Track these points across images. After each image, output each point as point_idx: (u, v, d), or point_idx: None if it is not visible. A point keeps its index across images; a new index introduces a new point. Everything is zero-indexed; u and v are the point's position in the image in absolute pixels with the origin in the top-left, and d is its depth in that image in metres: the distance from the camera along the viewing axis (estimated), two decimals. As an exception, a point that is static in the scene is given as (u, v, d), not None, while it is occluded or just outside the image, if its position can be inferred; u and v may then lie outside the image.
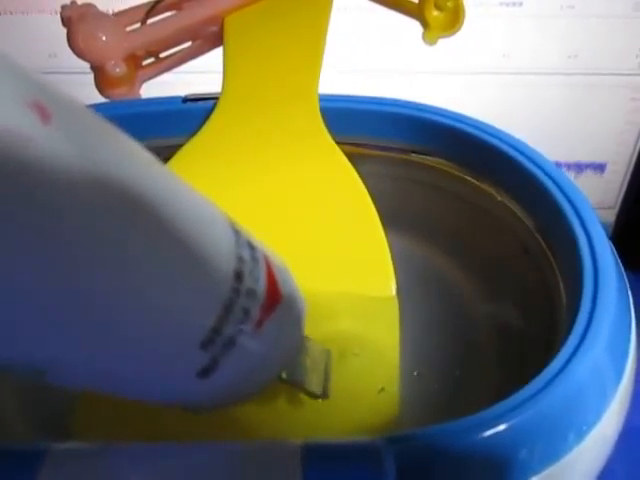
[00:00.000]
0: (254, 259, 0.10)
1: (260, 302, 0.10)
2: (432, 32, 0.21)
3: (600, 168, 0.35)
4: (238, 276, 0.09)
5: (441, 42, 0.22)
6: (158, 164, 0.09)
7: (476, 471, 0.11)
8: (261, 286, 0.10)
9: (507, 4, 0.31)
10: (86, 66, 0.34)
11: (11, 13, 0.33)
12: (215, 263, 0.09)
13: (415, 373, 0.16)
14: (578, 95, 0.33)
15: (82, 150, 0.08)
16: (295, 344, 0.12)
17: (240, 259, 0.10)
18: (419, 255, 0.19)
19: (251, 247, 0.10)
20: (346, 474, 0.09)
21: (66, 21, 0.18)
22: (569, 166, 0.35)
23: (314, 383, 0.13)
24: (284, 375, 0.12)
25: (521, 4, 0.31)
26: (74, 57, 0.34)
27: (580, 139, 0.34)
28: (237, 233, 0.10)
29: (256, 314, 0.10)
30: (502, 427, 0.11)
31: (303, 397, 0.15)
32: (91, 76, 0.34)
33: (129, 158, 0.09)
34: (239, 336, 0.09)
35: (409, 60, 0.32)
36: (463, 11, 0.21)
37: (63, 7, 0.18)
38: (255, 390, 0.11)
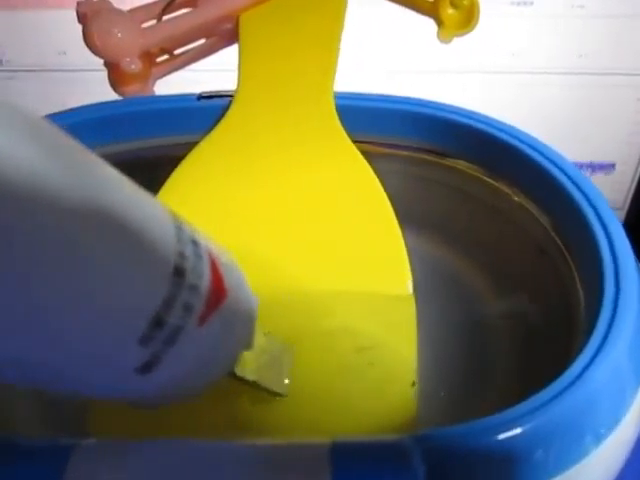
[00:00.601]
0: (197, 255, 0.10)
1: (203, 298, 0.10)
2: (447, 30, 0.21)
3: (609, 168, 0.35)
4: (179, 272, 0.09)
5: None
6: (92, 156, 0.09)
7: (494, 471, 0.11)
8: (205, 282, 0.10)
9: (518, 3, 0.31)
10: (95, 64, 0.34)
11: (21, 11, 0.33)
12: (153, 259, 0.09)
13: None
14: (587, 95, 0.33)
15: (9, 139, 0.08)
16: (243, 341, 0.12)
17: (181, 255, 0.10)
18: (434, 255, 0.19)
19: (195, 244, 0.10)
20: (375, 473, 0.09)
21: (81, 17, 0.18)
22: (577, 166, 0.35)
23: (272, 380, 0.13)
24: (238, 372, 0.12)
25: (532, 3, 0.31)
26: (83, 55, 0.34)
27: (589, 139, 0.34)
28: (179, 229, 0.10)
29: (199, 310, 0.10)
30: (523, 428, 0.11)
31: (322, 394, 0.15)
32: (100, 74, 0.34)
33: (60, 150, 0.08)
34: (181, 332, 0.09)
35: (418, 59, 0.32)
36: (478, 9, 0.21)
37: (79, 3, 0.18)
38: (203, 386, 0.11)
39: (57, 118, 0.18)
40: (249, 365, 0.13)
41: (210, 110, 0.19)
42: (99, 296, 0.08)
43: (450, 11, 0.21)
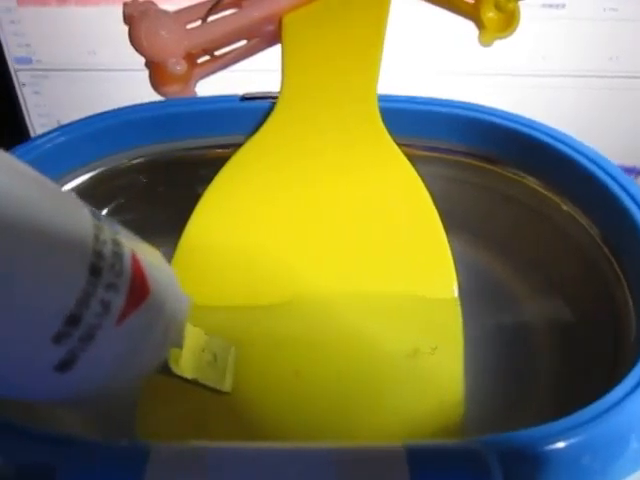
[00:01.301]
0: (116, 255, 0.10)
1: (123, 297, 0.10)
2: (488, 34, 0.21)
3: (638, 172, 0.35)
4: (94, 271, 0.09)
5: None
6: (8, 158, 0.09)
7: (560, 476, 0.11)
8: (124, 281, 0.10)
9: (550, 6, 0.31)
10: (125, 64, 0.34)
11: (51, 10, 0.33)
12: (67, 257, 0.09)
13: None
14: (618, 97, 0.33)
15: None
16: (170, 340, 0.12)
17: (98, 254, 0.10)
18: (477, 259, 0.19)
19: (115, 243, 0.10)
20: (454, 474, 0.09)
21: (128, 18, 0.18)
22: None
23: (214, 378, 0.14)
24: (175, 370, 0.12)
25: (564, 6, 0.31)
26: (113, 55, 0.35)
27: (620, 142, 0.33)
28: (98, 229, 0.10)
29: (118, 308, 0.10)
30: (592, 433, 0.11)
31: (368, 396, 0.15)
32: (129, 73, 0.34)
33: None
34: (98, 329, 0.10)
35: (447, 61, 0.32)
36: (519, 13, 0.21)
37: (125, 4, 0.18)
38: (130, 383, 0.11)
39: (104, 117, 0.18)
40: (188, 363, 0.13)
41: (253, 111, 0.19)
42: (11, 293, 0.08)
43: (491, 14, 0.21)
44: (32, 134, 0.37)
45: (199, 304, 0.16)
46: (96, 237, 0.10)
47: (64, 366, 0.09)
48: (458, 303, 0.16)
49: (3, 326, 0.09)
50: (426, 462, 0.09)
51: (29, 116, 0.36)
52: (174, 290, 0.12)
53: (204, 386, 0.13)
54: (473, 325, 0.17)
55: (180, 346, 0.13)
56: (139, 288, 0.10)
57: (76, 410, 0.15)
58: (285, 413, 0.15)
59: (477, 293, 0.18)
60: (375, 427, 0.14)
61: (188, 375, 0.13)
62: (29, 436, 0.10)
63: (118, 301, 0.10)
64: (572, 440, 0.10)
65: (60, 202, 0.10)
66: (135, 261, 0.11)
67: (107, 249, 0.10)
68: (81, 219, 0.10)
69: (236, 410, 0.15)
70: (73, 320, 0.09)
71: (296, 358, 0.16)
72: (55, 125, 0.39)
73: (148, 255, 0.11)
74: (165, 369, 0.12)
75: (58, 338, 0.09)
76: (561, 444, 0.10)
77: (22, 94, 0.36)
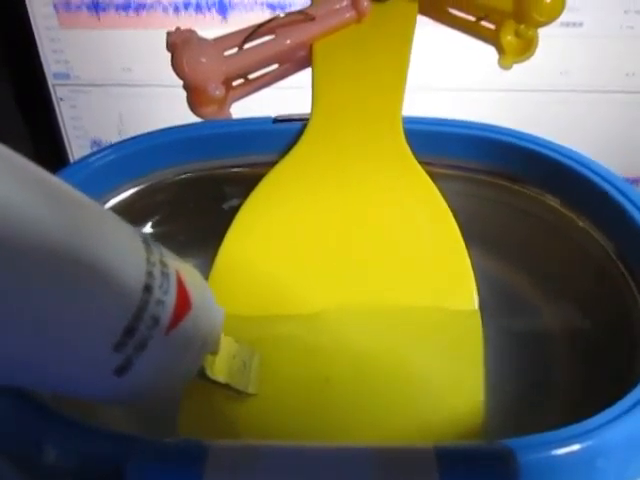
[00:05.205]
0: (164, 274, 0.12)
1: (169, 311, 0.11)
2: (507, 57, 0.22)
3: (654, 185, 0.35)
4: (147, 289, 0.11)
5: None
6: (66, 186, 0.11)
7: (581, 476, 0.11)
8: (170, 297, 0.12)
9: (567, 24, 0.32)
10: (158, 80, 0.36)
11: (89, 30, 0.34)
12: (126, 279, 0.11)
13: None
14: (635, 113, 0.33)
15: None
16: (208, 347, 0.14)
17: (150, 275, 0.11)
18: (495, 272, 0.20)
19: (163, 264, 0.12)
20: (481, 473, 0.09)
21: (171, 46, 0.19)
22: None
23: (242, 382, 0.15)
24: (210, 375, 0.14)
25: (582, 24, 0.32)
26: (148, 71, 0.36)
27: (637, 156, 0.34)
28: (149, 252, 0.12)
29: (166, 320, 0.11)
30: (614, 434, 0.11)
31: (389, 404, 0.16)
32: (162, 89, 0.36)
33: (49, 194, 0.10)
34: (149, 340, 0.11)
35: (470, 77, 0.33)
36: (537, 39, 0.22)
37: (169, 33, 0.19)
38: (173, 386, 0.13)
39: (150, 137, 0.20)
40: (221, 369, 0.14)
41: (285, 133, 0.20)
42: (82, 310, 0.10)
43: (509, 38, 0.22)
44: (67, 146, 0.39)
45: (235, 314, 0.17)
46: (148, 260, 0.11)
47: (121, 370, 0.11)
48: (479, 314, 0.17)
49: (73, 337, 0.10)
50: (455, 462, 0.10)
51: (65, 129, 0.38)
52: (211, 304, 0.14)
53: (234, 390, 0.15)
54: (492, 335, 0.17)
55: (216, 353, 0.14)
56: (183, 303, 0.12)
57: (128, 408, 0.17)
58: (315, 417, 0.16)
59: (496, 305, 0.19)
60: (400, 433, 0.15)
61: (222, 380, 0.14)
62: (95, 434, 0.12)
63: (166, 315, 0.11)
64: (588, 443, 0.11)
65: (118, 231, 0.11)
66: (179, 280, 0.12)
67: (157, 270, 0.11)
68: (135, 245, 0.11)
69: (266, 414, 0.16)
70: (130, 332, 0.11)
71: (326, 365, 0.16)
72: (89, 138, 0.40)
73: (188, 274, 0.13)
74: (202, 374, 0.14)
75: (117, 347, 0.11)
76: (577, 447, 0.11)
77: (59, 108, 0.37)
